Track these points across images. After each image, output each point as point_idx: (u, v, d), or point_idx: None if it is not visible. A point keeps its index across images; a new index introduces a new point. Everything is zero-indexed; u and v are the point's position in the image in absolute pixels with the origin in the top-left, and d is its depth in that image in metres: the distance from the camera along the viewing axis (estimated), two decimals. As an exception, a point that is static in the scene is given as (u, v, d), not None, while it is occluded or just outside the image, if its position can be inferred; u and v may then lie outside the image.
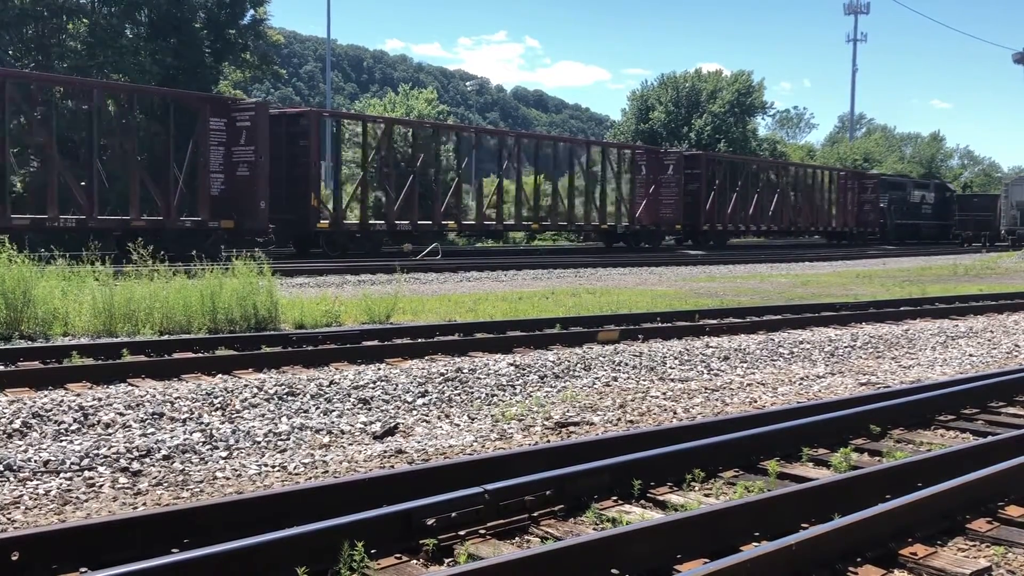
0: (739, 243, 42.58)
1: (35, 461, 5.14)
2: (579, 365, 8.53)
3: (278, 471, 5.25)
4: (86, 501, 4.65)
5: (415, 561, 3.75)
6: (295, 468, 5.31)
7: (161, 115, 22.16)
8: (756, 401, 7.50)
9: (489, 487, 4.16)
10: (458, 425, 6.44)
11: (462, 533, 3.97)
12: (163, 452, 5.46)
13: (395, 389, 7.23)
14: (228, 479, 5.08)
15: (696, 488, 4.85)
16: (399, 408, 6.83)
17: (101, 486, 4.88)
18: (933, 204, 53.14)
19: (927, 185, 55.59)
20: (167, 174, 21.61)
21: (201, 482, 5.01)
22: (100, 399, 6.41)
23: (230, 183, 22.23)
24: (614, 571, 3.52)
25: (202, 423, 6.11)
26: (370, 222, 25.57)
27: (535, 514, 4.26)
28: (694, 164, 36.44)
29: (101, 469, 5.14)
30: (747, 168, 40.29)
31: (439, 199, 27.56)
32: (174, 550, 3.58)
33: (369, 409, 6.75)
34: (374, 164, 26.51)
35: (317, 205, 24.37)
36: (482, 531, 4.04)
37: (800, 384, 8.31)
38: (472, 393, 7.35)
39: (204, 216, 21.91)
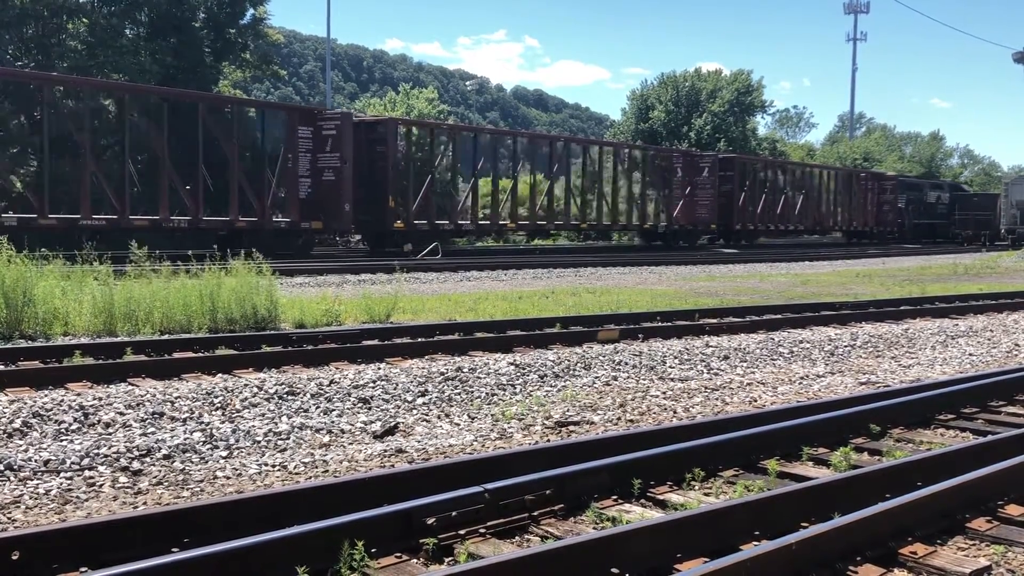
0: (766, 242, 44.04)
1: (35, 460, 5.15)
2: (579, 364, 8.53)
3: (278, 470, 5.26)
4: (86, 500, 4.65)
5: (415, 560, 3.75)
6: (295, 467, 5.31)
7: (257, 124, 24.60)
8: (756, 400, 7.50)
9: (489, 486, 4.16)
10: (458, 424, 6.44)
11: (462, 532, 3.97)
12: (163, 451, 5.46)
13: (395, 388, 7.23)
14: (228, 478, 5.08)
15: (696, 487, 4.86)
16: (399, 407, 6.83)
17: (101, 485, 4.88)
18: (947, 204, 54.05)
19: (942, 186, 57.33)
20: (261, 178, 23.84)
21: (201, 481, 5.01)
22: (100, 399, 6.41)
23: (316, 187, 24.25)
24: (614, 570, 3.52)
25: (202, 422, 6.11)
26: (436, 221, 27.56)
27: (535, 513, 4.26)
28: (728, 167, 38.43)
29: (101, 468, 5.14)
30: (775, 170, 42.57)
31: (499, 200, 29.60)
32: (174, 550, 3.58)
33: (369, 408, 6.75)
34: (440, 167, 28.51)
35: (394, 206, 26.24)
36: (482, 530, 4.04)
37: (800, 383, 8.31)
38: (472, 392, 7.35)
39: (294, 217, 24.01)
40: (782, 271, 24.71)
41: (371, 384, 7.28)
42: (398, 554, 3.74)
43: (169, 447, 5.53)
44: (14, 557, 3.40)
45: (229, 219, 22.87)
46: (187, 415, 6.24)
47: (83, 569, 3.49)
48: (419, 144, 28.24)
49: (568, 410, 6.85)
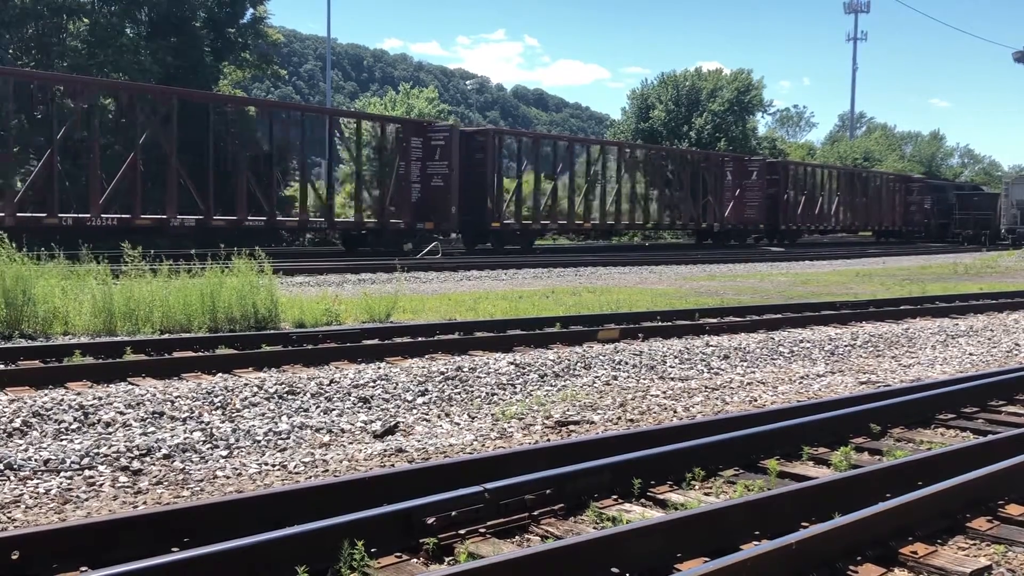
0: (806, 240, 45.98)
1: (35, 460, 5.14)
2: (579, 364, 8.53)
3: (278, 470, 5.25)
4: (86, 500, 4.65)
5: (415, 560, 3.75)
6: (295, 467, 5.31)
7: (380, 135, 27.70)
8: (756, 400, 7.50)
9: (489, 486, 4.16)
10: (458, 424, 6.43)
11: (462, 532, 3.97)
12: (163, 451, 5.46)
13: (395, 388, 7.23)
14: (228, 478, 5.08)
15: (696, 487, 4.85)
16: (399, 407, 6.83)
17: (101, 485, 4.88)
18: None
19: (963, 187, 59.13)
20: (384, 184, 27.17)
21: (201, 481, 5.01)
22: (100, 398, 6.41)
23: (425, 191, 27.47)
24: (614, 570, 3.51)
25: (202, 422, 6.11)
26: (524, 221, 30.93)
27: (535, 513, 4.26)
28: (774, 171, 41.83)
29: (101, 468, 5.13)
30: (814, 173, 45.51)
31: (575, 202, 32.87)
32: (174, 549, 3.58)
33: (369, 408, 6.75)
34: (527, 172, 31.61)
35: (492, 208, 29.35)
36: (482, 530, 4.03)
37: (800, 383, 8.31)
38: (472, 392, 7.35)
39: (408, 219, 27.19)
40: (782, 270, 24.71)
41: (371, 383, 7.27)
42: (398, 554, 3.74)
43: (169, 446, 5.53)
44: (14, 557, 3.39)
45: (356, 220, 26.56)
46: (187, 414, 6.24)
47: (83, 569, 3.49)
48: (509, 152, 31.52)
49: (568, 410, 6.85)
